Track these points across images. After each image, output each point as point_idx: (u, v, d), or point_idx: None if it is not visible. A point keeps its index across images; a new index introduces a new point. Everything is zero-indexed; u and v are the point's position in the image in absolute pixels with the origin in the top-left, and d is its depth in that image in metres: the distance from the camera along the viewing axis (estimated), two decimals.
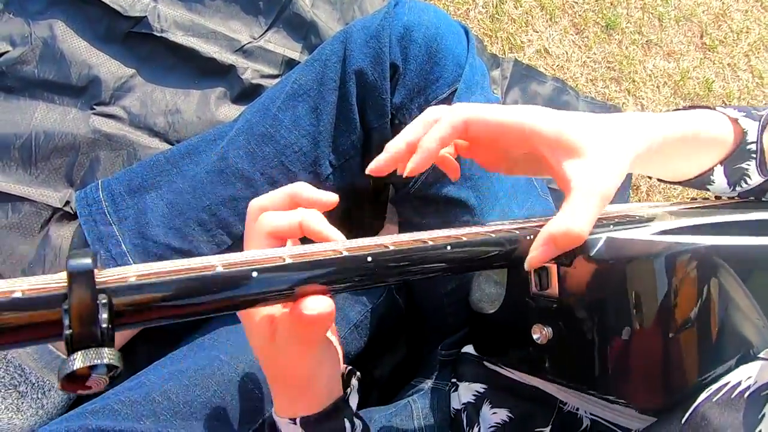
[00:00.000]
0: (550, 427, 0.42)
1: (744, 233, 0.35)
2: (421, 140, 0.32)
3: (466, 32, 0.55)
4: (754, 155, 0.38)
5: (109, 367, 0.18)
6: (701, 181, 0.40)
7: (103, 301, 0.18)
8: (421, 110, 0.54)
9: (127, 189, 0.53)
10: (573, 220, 0.29)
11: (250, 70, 0.67)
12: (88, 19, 0.59)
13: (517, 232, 0.31)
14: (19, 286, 0.17)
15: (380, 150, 0.55)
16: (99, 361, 0.17)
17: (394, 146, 0.33)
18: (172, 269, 0.20)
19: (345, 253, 0.24)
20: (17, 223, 0.52)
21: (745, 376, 0.29)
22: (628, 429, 0.38)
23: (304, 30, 0.72)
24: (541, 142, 0.31)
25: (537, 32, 1.06)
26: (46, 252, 0.52)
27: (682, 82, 1.28)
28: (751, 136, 0.38)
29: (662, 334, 0.31)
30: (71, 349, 0.17)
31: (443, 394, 0.53)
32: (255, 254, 0.23)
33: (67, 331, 0.17)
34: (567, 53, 1.10)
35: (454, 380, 0.52)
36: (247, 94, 0.67)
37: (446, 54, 0.52)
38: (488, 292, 0.44)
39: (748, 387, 0.28)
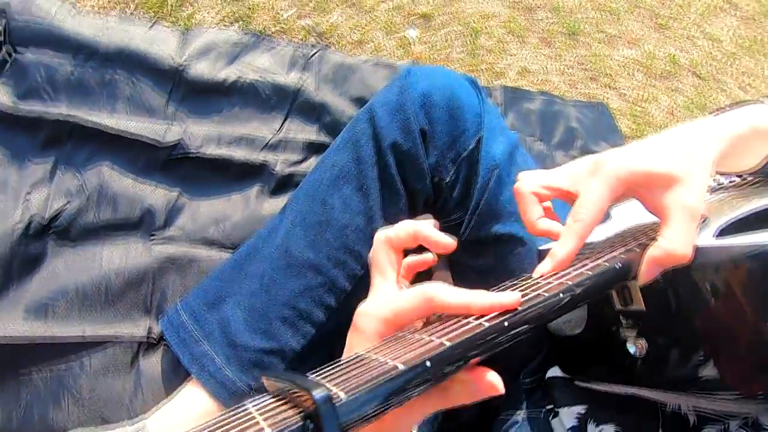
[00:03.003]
0: None
1: None
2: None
3: (474, 83, 0.57)
4: None
5: None
6: (765, 170, 0.41)
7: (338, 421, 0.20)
8: (454, 163, 0.56)
9: (205, 304, 0.54)
10: (673, 243, 0.31)
11: (279, 162, 0.69)
12: (130, 156, 0.61)
13: (607, 264, 0.32)
14: (258, 422, 0.19)
15: (426, 207, 0.57)
16: None
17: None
18: (367, 380, 0.21)
19: (486, 324, 0.25)
20: (111, 364, 0.52)
21: None
22: (742, 413, 0.37)
23: (316, 112, 0.74)
24: (635, 184, 0.33)
25: (513, 55, 1.11)
26: (143, 384, 0.52)
27: (650, 63, 1.32)
28: None
29: (754, 324, 0.30)
30: None
31: (541, 423, 0.52)
32: (421, 347, 0.24)
33: None
34: (544, 67, 1.14)
35: (549, 406, 0.51)
36: (282, 185, 0.68)
37: (465, 109, 0.54)
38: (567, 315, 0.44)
39: None
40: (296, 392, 0.20)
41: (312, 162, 0.72)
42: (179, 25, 0.74)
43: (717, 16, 1.58)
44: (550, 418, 0.51)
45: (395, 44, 0.95)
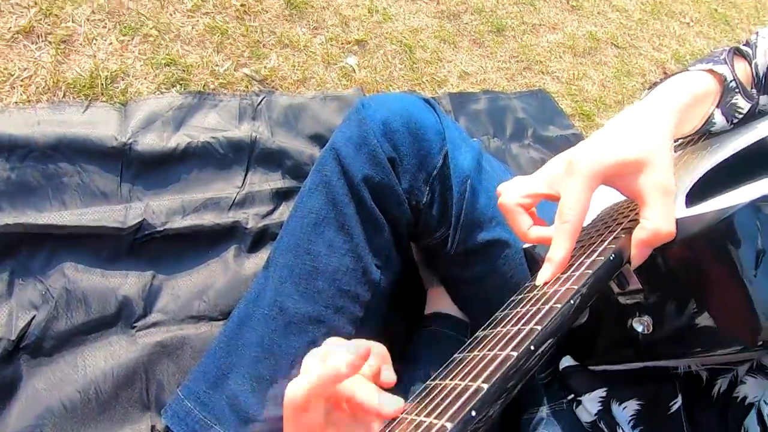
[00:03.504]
0: (681, 395, 0.43)
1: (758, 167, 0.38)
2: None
3: (428, 101, 0.58)
4: (737, 89, 0.43)
5: None
6: (705, 128, 0.43)
7: None
8: (427, 183, 0.56)
9: (208, 385, 0.50)
10: (657, 223, 0.32)
11: (250, 218, 0.66)
12: (92, 249, 0.57)
13: (602, 258, 0.33)
14: None
15: (409, 230, 0.56)
16: None
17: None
18: None
19: (514, 354, 0.24)
20: None
21: None
22: (747, 359, 0.39)
23: (276, 159, 0.73)
24: (609, 176, 0.34)
25: (450, 62, 1.13)
26: None
27: (573, 43, 1.40)
28: (729, 76, 0.42)
29: (742, 278, 0.32)
30: None
31: (566, 414, 0.52)
32: (458, 397, 0.23)
33: None
34: (481, 67, 1.17)
35: (570, 396, 0.51)
36: (258, 240, 0.66)
37: (425, 129, 0.54)
38: None
39: None
40: None
41: (283, 210, 0.70)
42: (115, 101, 0.71)
43: None
44: (574, 407, 0.51)
45: (337, 75, 0.95)
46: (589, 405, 0.48)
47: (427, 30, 1.15)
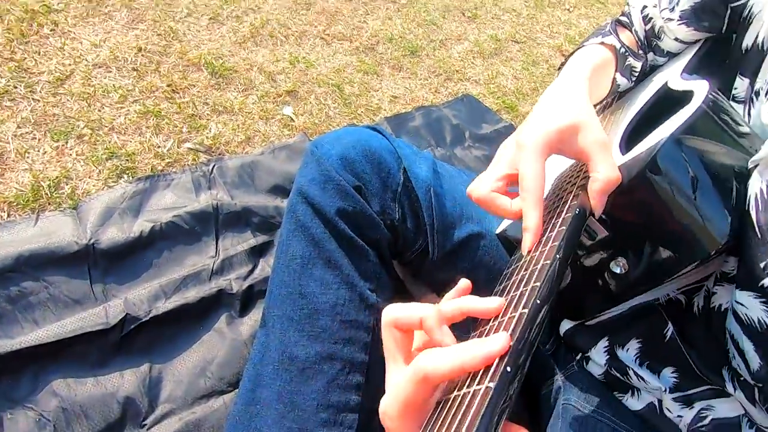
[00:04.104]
0: (671, 321, 0.47)
1: (669, 109, 0.44)
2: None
3: (374, 128, 0.62)
4: (627, 53, 0.51)
5: None
6: (613, 90, 0.51)
7: None
8: (394, 201, 0.59)
9: None
10: (606, 172, 0.37)
11: (233, 282, 0.66)
12: (78, 357, 0.54)
13: (570, 214, 0.37)
14: None
15: (390, 247, 0.59)
16: None
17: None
18: None
19: (526, 311, 0.26)
20: None
21: (757, 185, 0.37)
22: (711, 273, 0.43)
23: (243, 219, 0.73)
24: (554, 143, 0.38)
25: (378, 90, 1.20)
26: None
27: (480, 48, 1.52)
28: (617, 44, 0.51)
29: (686, 200, 0.36)
30: None
31: (579, 374, 0.55)
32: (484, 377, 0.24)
33: None
34: (407, 88, 1.25)
35: (579, 357, 0.54)
36: (246, 302, 0.66)
37: (380, 152, 0.57)
38: None
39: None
40: None
41: (262, 266, 0.70)
42: (64, 206, 0.69)
43: None
44: (585, 365, 0.53)
45: (279, 126, 0.98)
46: (597, 357, 0.51)
47: (349, 67, 1.22)
